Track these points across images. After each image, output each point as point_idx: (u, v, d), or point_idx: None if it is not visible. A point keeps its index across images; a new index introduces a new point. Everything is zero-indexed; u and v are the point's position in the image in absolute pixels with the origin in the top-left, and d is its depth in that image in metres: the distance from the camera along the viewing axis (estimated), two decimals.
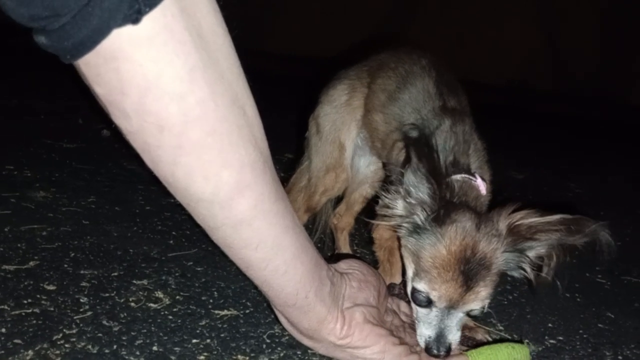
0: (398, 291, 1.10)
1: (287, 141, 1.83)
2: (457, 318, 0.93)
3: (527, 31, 4.97)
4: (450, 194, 0.93)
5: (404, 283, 1.06)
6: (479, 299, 0.90)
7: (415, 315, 0.97)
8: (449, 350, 0.93)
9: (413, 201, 0.93)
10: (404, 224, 0.95)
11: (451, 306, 0.91)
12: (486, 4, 4.91)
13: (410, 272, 0.96)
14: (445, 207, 0.91)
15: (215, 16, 0.64)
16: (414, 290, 0.94)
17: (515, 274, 0.94)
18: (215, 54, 0.63)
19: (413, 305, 0.97)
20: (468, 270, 0.89)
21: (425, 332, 0.94)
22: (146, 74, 0.57)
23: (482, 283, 0.89)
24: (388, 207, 0.97)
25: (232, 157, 0.66)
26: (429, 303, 0.93)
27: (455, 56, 4.56)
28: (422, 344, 0.94)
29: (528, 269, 0.93)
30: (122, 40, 0.55)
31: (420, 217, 0.93)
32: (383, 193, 0.98)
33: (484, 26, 4.91)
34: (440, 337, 0.93)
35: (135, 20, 0.54)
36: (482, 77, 4.55)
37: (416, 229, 0.94)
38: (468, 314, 0.94)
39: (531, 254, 0.92)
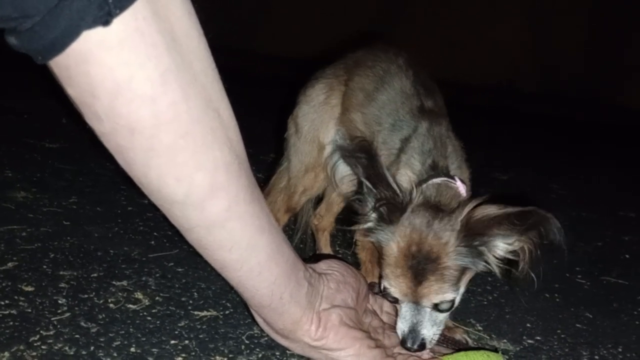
0: (379, 290, 1.10)
1: (273, 141, 1.84)
2: (427, 313, 0.95)
3: (515, 32, 4.99)
4: (394, 194, 0.95)
5: None
6: (434, 292, 0.93)
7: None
8: (423, 345, 0.96)
9: (369, 203, 0.98)
10: (367, 225, 0.99)
11: (413, 301, 0.95)
12: (473, 5, 4.94)
13: (382, 270, 1.00)
14: (389, 206, 0.94)
15: (189, 19, 0.64)
16: (384, 288, 0.98)
17: (479, 267, 0.95)
18: (188, 57, 0.63)
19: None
20: (416, 265, 0.92)
21: (400, 325, 0.97)
22: (117, 77, 0.57)
23: (432, 277, 0.92)
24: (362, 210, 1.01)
25: (205, 159, 0.67)
26: (395, 299, 0.97)
27: (444, 57, 4.60)
28: (400, 337, 0.97)
29: (493, 264, 0.93)
30: (92, 42, 0.54)
31: (372, 217, 0.98)
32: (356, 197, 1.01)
33: (472, 27, 4.93)
34: (412, 331, 0.96)
35: (105, 22, 0.54)
36: (470, 77, 4.58)
37: (375, 229, 0.98)
38: (439, 310, 0.95)
39: (499, 250, 0.92)
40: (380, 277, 1.01)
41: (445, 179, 1.03)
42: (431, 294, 0.93)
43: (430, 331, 0.96)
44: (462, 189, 1.03)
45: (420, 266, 0.92)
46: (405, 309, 0.97)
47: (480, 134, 3.17)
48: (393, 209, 0.95)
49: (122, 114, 0.59)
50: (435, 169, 1.05)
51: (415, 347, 0.95)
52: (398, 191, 0.96)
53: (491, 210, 0.91)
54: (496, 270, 0.94)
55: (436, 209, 0.96)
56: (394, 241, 0.94)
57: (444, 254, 0.92)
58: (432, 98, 1.15)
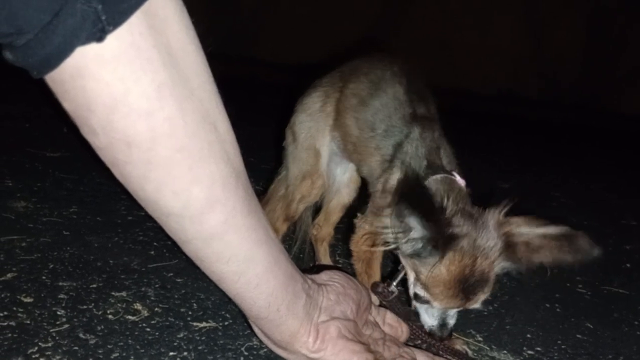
0: (382, 289, 1.10)
1: (273, 149, 1.84)
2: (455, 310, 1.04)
3: (514, 39, 5.01)
4: (448, 225, 0.97)
5: (388, 283, 1.11)
6: (477, 303, 1.00)
7: (415, 306, 1.06)
8: (450, 332, 1.06)
9: (415, 235, 0.96)
10: (402, 247, 0.99)
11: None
12: (473, 12, 4.95)
13: (411, 278, 1.04)
14: (443, 238, 0.95)
15: (186, 33, 0.64)
16: (416, 294, 1.03)
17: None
18: (185, 72, 0.63)
19: (413, 301, 1.06)
20: (469, 286, 0.96)
21: (428, 321, 1.05)
22: (112, 92, 0.57)
23: (482, 293, 0.98)
24: (386, 227, 1.01)
25: (202, 172, 0.67)
26: (427, 302, 1.02)
27: (443, 64, 4.61)
28: (427, 329, 1.06)
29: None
30: (87, 58, 0.55)
31: (420, 245, 0.97)
32: (383, 220, 1.02)
33: (471, 33, 4.95)
34: (442, 325, 1.04)
35: (100, 38, 0.54)
36: (469, 84, 4.58)
37: (416, 253, 0.99)
38: None
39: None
40: (404, 280, 1.07)
41: (444, 174, 1.06)
42: (475, 304, 1.00)
43: (454, 319, 1.05)
44: (462, 182, 1.07)
45: (473, 287, 0.97)
46: (435, 310, 1.03)
47: (480, 140, 3.17)
48: (447, 240, 0.96)
49: (119, 128, 0.59)
50: (433, 168, 1.07)
51: (446, 335, 1.04)
52: (449, 226, 0.97)
53: (530, 226, 0.97)
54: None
55: (469, 216, 0.98)
56: (442, 264, 0.96)
57: (492, 271, 0.97)
58: (424, 105, 1.17)
